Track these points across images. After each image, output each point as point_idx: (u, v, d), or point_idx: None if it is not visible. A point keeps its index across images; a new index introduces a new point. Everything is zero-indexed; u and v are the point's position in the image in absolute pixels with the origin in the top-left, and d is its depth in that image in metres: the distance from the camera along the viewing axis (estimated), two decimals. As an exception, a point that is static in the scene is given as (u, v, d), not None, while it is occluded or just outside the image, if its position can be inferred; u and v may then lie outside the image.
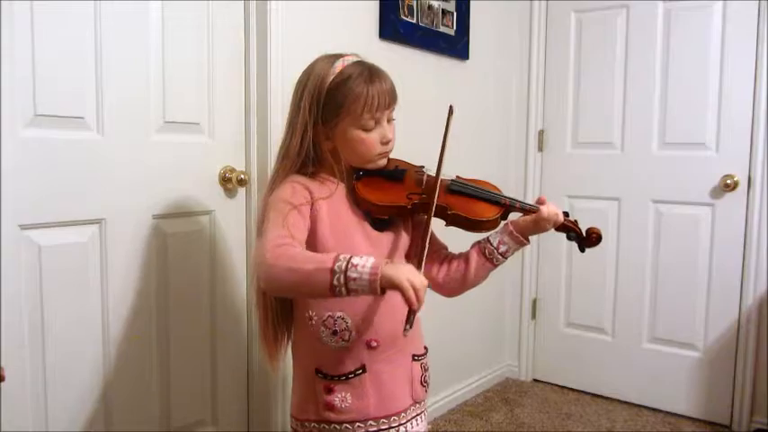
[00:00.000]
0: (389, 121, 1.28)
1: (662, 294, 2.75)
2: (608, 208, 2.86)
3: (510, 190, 2.89)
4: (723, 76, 2.55)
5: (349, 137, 1.25)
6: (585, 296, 2.97)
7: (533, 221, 1.32)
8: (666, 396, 2.75)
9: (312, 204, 1.22)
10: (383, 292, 1.04)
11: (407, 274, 1.03)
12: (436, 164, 1.30)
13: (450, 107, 1.32)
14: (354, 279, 1.02)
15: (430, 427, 2.53)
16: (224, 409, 1.89)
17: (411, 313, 1.06)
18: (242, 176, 1.83)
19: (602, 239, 1.37)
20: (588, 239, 1.36)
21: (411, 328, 1.08)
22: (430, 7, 2.44)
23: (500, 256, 1.34)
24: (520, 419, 2.67)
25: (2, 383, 1.29)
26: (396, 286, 1.02)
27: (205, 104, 1.78)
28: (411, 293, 1.02)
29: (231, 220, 1.87)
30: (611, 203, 2.86)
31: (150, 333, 1.68)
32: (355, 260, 1.03)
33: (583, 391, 2.98)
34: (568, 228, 1.37)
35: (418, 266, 1.16)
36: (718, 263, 2.61)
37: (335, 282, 1.03)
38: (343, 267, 1.03)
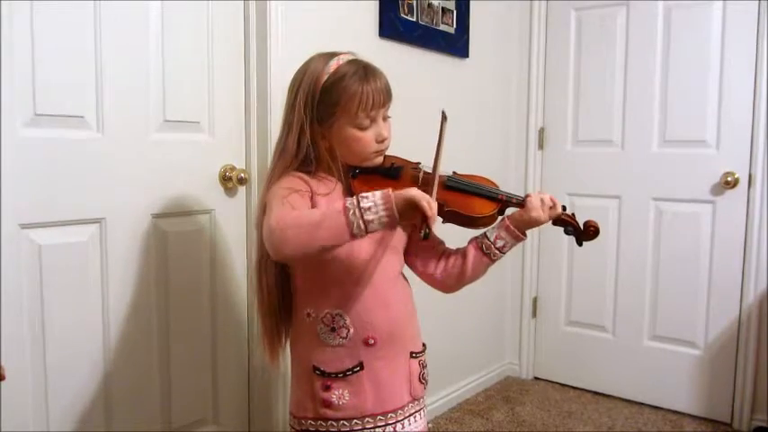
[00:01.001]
0: (385, 119, 1.28)
1: (663, 292, 2.75)
2: (608, 206, 2.86)
3: (510, 188, 2.88)
4: (723, 73, 2.55)
5: (345, 135, 1.25)
6: (586, 294, 2.97)
7: (528, 215, 1.31)
8: (667, 394, 2.75)
9: (311, 197, 1.22)
10: (401, 216, 1.05)
11: (418, 192, 1.05)
12: (433, 163, 1.30)
13: (443, 113, 1.30)
14: (369, 208, 1.03)
15: (431, 425, 2.53)
16: (225, 407, 1.90)
17: (426, 226, 1.06)
18: (242, 175, 1.83)
19: (600, 232, 1.36)
20: (586, 233, 1.36)
21: (427, 238, 1.08)
22: (430, 5, 2.44)
23: (497, 252, 1.34)
24: (521, 418, 2.67)
25: (2, 382, 1.29)
26: (410, 203, 1.04)
27: (205, 103, 1.79)
28: (425, 205, 1.04)
29: (231, 219, 1.87)
30: (611, 201, 2.86)
31: (150, 332, 1.68)
32: (363, 195, 1.05)
33: (584, 389, 2.98)
34: (565, 221, 1.36)
35: (430, 191, 1.15)
36: (718, 260, 2.60)
37: (351, 217, 1.03)
38: (356, 202, 1.04)
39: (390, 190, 1.06)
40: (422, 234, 1.07)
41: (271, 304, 1.30)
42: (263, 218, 1.18)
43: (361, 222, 1.03)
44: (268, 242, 1.09)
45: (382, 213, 1.04)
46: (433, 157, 1.27)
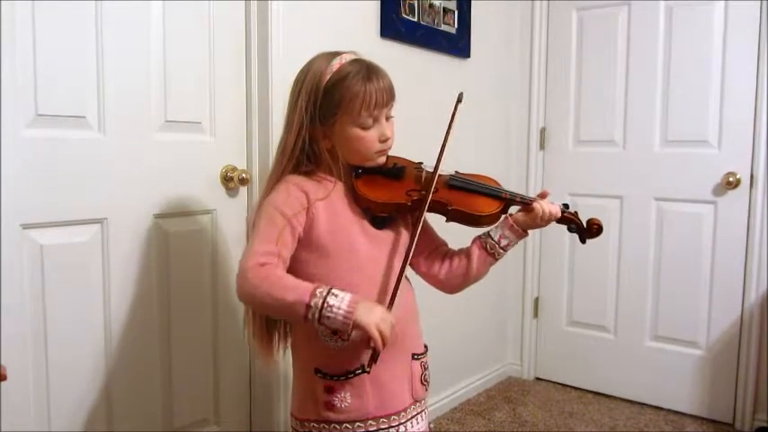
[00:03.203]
0: (388, 118, 1.28)
1: (664, 292, 2.75)
2: (610, 206, 2.86)
3: (512, 188, 2.89)
4: (725, 73, 2.55)
5: (347, 135, 1.25)
6: (588, 294, 2.97)
7: (533, 221, 1.33)
8: (669, 394, 2.75)
9: (308, 209, 1.22)
10: (350, 337, 1.15)
11: (376, 319, 1.11)
12: (437, 156, 1.30)
13: (460, 94, 1.35)
14: (328, 318, 1.10)
15: (432, 426, 2.53)
16: (226, 408, 1.89)
17: (375, 354, 1.14)
18: (243, 175, 1.83)
19: (603, 230, 1.37)
20: (589, 231, 1.36)
21: (375, 363, 1.15)
22: (431, 5, 2.44)
23: (501, 250, 1.34)
24: (522, 418, 2.66)
25: (4, 382, 1.29)
26: (364, 331, 1.11)
27: (206, 103, 1.79)
28: (377, 338, 1.10)
29: (232, 220, 1.87)
30: (613, 201, 2.86)
31: (152, 332, 1.68)
32: (331, 300, 1.10)
33: (585, 390, 2.97)
34: (568, 220, 1.37)
35: (391, 303, 1.20)
36: (720, 260, 2.60)
37: (310, 316, 1.10)
38: (319, 305, 1.09)
39: (359, 300, 1.11)
40: (368, 367, 1.16)
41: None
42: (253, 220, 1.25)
43: (316, 323, 1.11)
44: (240, 284, 1.15)
45: (338, 326, 1.11)
46: (442, 141, 1.29)
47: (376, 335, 1.09)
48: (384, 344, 1.10)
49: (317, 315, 1.09)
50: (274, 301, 1.11)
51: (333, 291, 1.10)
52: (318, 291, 1.10)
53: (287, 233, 1.20)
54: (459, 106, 1.33)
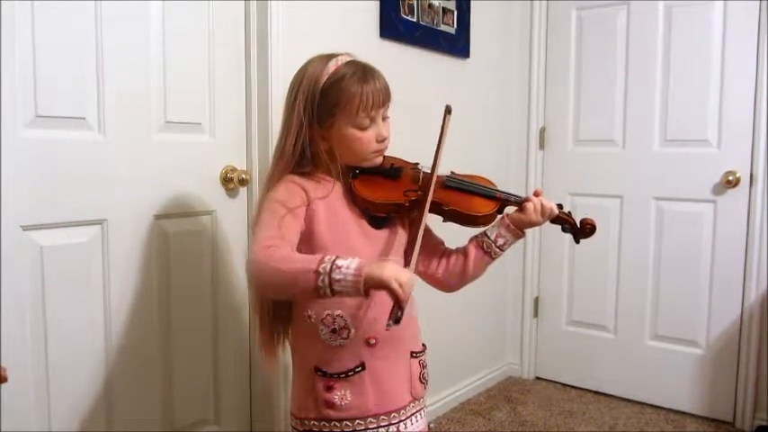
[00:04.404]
0: (384, 118, 1.29)
1: (664, 291, 2.75)
2: (610, 205, 2.86)
3: (511, 188, 2.88)
4: (724, 72, 2.55)
5: (344, 136, 1.25)
6: (587, 294, 2.97)
7: (528, 218, 1.34)
8: (669, 393, 2.75)
9: (308, 205, 1.23)
10: (367, 293, 1.05)
11: (392, 271, 1.04)
12: (432, 161, 1.31)
13: (447, 107, 1.32)
14: (338, 280, 1.04)
15: (432, 425, 2.54)
16: (226, 408, 1.90)
17: (398, 309, 1.05)
18: (243, 176, 1.84)
19: (597, 230, 1.38)
20: (582, 230, 1.38)
21: (398, 323, 1.05)
22: (430, 6, 2.45)
23: (498, 250, 1.36)
24: (522, 417, 2.67)
25: (4, 384, 1.30)
26: (381, 285, 1.03)
27: (206, 104, 1.79)
28: (397, 288, 1.02)
29: (232, 220, 1.88)
30: (612, 201, 2.86)
31: (152, 333, 1.69)
32: (340, 261, 1.05)
33: (585, 389, 2.98)
34: (562, 220, 1.38)
35: (407, 264, 1.17)
36: (720, 260, 2.60)
37: (320, 283, 1.04)
38: (328, 269, 1.04)
39: (365, 265, 1.04)
40: (390, 322, 1.05)
41: (268, 307, 1.31)
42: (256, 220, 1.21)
43: (328, 290, 1.04)
44: (249, 270, 1.13)
45: (350, 286, 1.04)
46: (434, 152, 1.28)
47: (395, 284, 1.02)
48: (405, 296, 1.03)
49: (326, 280, 1.03)
50: (283, 274, 1.07)
51: (340, 256, 1.06)
52: (327, 257, 1.06)
53: (289, 219, 1.19)
54: (449, 118, 1.32)
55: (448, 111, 1.32)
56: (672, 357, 2.73)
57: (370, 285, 1.04)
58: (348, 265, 1.04)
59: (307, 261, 1.07)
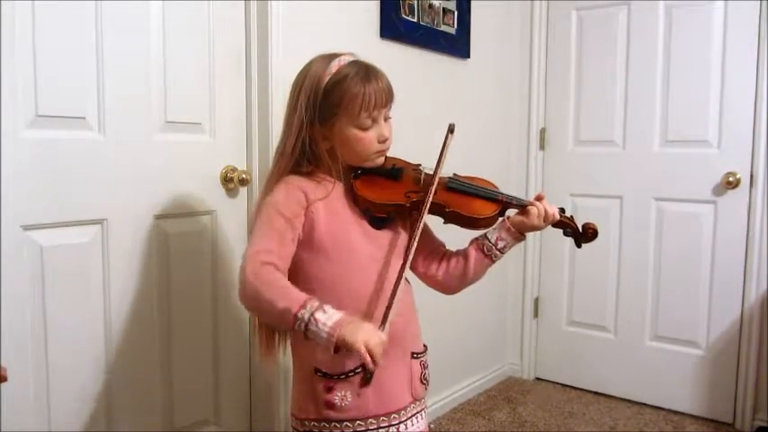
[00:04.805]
0: (386, 119, 1.29)
1: (664, 292, 2.75)
2: (610, 206, 2.86)
3: (512, 189, 2.89)
4: (725, 72, 2.55)
5: (346, 136, 1.25)
6: (588, 294, 2.97)
7: (530, 222, 1.34)
8: (669, 394, 2.75)
9: (307, 208, 1.23)
10: (337, 350, 1.08)
11: (364, 336, 1.07)
12: (434, 163, 1.31)
13: (451, 126, 1.33)
14: (314, 332, 1.08)
15: (432, 426, 2.53)
16: (226, 408, 1.90)
17: (367, 372, 1.10)
18: (243, 176, 1.84)
19: (599, 235, 1.38)
20: (584, 235, 1.38)
21: (367, 384, 1.12)
22: (431, 6, 2.44)
23: (498, 252, 1.35)
24: (522, 418, 2.67)
25: (4, 383, 1.29)
26: (351, 349, 1.06)
27: (206, 104, 1.79)
28: (366, 357, 1.06)
29: (233, 220, 1.87)
30: (613, 201, 2.86)
31: (152, 333, 1.68)
32: (319, 315, 1.08)
33: (585, 390, 2.98)
34: (564, 224, 1.38)
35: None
36: (720, 260, 2.60)
37: (296, 327, 1.09)
38: (306, 318, 1.08)
39: (348, 321, 1.08)
40: (362, 382, 1.13)
41: None
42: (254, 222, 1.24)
43: (304, 334, 1.09)
44: (240, 281, 1.15)
45: (322, 342, 1.08)
46: (435, 165, 1.29)
47: (363, 350, 1.05)
48: (375, 362, 1.07)
49: (302, 326, 1.08)
50: (267, 304, 1.11)
51: (324, 306, 1.09)
52: (309, 303, 1.09)
53: (286, 233, 1.20)
54: (451, 137, 1.33)
55: (450, 130, 1.33)
56: (672, 358, 2.73)
57: (341, 346, 1.07)
58: (325, 322, 1.07)
59: (289, 300, 1.10)
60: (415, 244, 1.24)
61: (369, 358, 1.06)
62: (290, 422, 1.34)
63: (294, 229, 1.21)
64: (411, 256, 1.23)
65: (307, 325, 1.07)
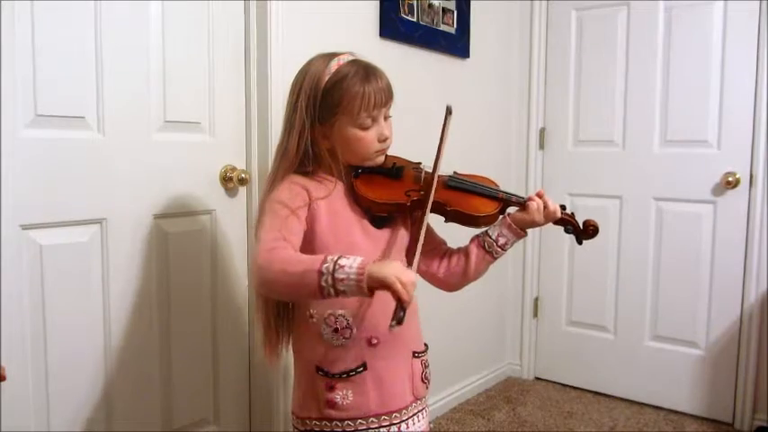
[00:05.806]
0: (386, 118, 1.29)
1: (664, 292, 2.75)
2: (609, 206, 2.86)
3: (511, 188, 2.89)
4: (724, 73, 2.55)
5: (346, 135, 1.25)
6: (587, 294, 2.97)
7: (530, 217, 1.34)
8: (669, 394, 2.75)
9: (309, 205, 1.22)
10: (371, 292, 1.04)
11: (395, 271, 1.03)
12: (433, 161, 1.31)
13: (448, 107, 1.31)
14: (342, 279, 1.03)
15: (432, 425, 2.53)
16: (226, 407, 1.90)
17: (400, 309, 1.04)
18: (243, 176, 1.83)
19: (600, 231, 1.38)
20: (585, 232, 1.38)
21: (400, 324, 1.04)
22: (430, 5, 2.44)
23: (499, 249, 1.36)
24: (522, 418, 2.67)
25: (3, 383, 1.29)
26: (383, 284, 1.02)
27: (206, 104, 1.79)
28: (399, 288, 1.02)
29: (232, 220, 1.87)
30: (612, 201, 2.86)
31: (152, 332, 1.68)
32: (342, 261, 1.04)
33: (585, 390, 2.98)
34: (565, 221, 1.38)
35: (410, 264, 1.17)
36: (720, 260, 2.60)
37: (323, 283, 1.04)
38: (331, 269, 1.04)
39: (373, 261, 1.05)
40: (393, 322, 1.04)
41: (271, 307, 1.31)
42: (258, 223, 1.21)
43: (332, 290, 1.04)
44: (254, 273, 1.12)
45: (353, 285, 1.03)
46: (435, 152, 1.28)
47: (397, 284, 1.01)
48: (408, 297, 1.02)
49: (330, 280, 1.03)
50: (287, 276, 1.07)
51: (343, 255, 1.06)
52: (329, 257, 1.06)
53: (292, 220, 1.19)
54: (450, 118, 1.31)
55: (449, 111, 1.31)
56: (671, 358, 2.73)
57: (373, 284, 1.03)
58: (351, 264, 1.04)
59: (310, 261, 1.07)
60: (420, 248, 1.22)
61: (403, 290, 1.02)
62: (291, 421, 1.34)
63: (299, 219, 1.20)
64: (417, 259, 1.20)
65: (333, 275, 1.03)
